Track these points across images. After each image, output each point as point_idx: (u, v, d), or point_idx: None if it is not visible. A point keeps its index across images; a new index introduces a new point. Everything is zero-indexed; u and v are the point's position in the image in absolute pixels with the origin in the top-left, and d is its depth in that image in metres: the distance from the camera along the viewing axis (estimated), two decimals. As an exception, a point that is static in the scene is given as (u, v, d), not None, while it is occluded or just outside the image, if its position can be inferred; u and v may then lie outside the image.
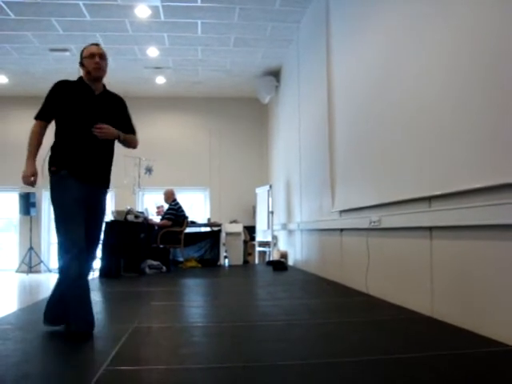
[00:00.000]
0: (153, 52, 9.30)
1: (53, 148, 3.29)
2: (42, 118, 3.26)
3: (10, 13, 7.38)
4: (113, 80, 10.40)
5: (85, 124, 3.24)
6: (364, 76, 5.11)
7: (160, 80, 11.02)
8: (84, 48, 3.43)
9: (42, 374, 2.33)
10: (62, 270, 3.17)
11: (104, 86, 3.48)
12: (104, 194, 3.49)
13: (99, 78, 3.39)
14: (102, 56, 3.37)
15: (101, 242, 3.39)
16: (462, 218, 3.18)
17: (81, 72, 3.42)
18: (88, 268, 3.35)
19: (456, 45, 3.30)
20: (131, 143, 3.61)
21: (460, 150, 3.23)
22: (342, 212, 5.88)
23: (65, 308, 3.13)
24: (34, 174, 3.17)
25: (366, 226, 4.85)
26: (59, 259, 3.15)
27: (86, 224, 3.18)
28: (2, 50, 8.96)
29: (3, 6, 7.14)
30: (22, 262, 11.17)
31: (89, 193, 3.27)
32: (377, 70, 4.75)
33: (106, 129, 3.27)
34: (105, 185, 3.45)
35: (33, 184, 3.17)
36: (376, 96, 4.76)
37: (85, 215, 3.19)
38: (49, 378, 2.28)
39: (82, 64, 3.38)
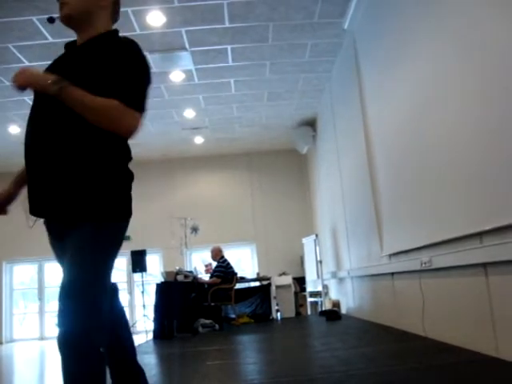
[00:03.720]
0: (189, 113, 9.58)
1: None
2: None
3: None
4: (153, 144, 10.86)
5: (34, 114, 1.92)
6: (401, 117, 5.12)
7: (198, 140, 11.27)
8: None
9: None
10: None
11: (98, 36, 1.98)
12: (74, 230, 1.80)
13: (69, 21, 1.98)
14: None
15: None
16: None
17: None
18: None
19: (485, 79, 3.30)
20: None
21: (508, 181, 3.18)
22: (391, 255, 5.78)
23: None
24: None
25: (417, 267, 4.75)
26: None
27: None
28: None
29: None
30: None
31: (56, 237, 1.96)
32: (414, 110, 4.76)
33: (20, 74, 1.78)
34: (68, 214, 1.81)
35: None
36: (416, 136, 4.75)
37: None
38: None
39: None
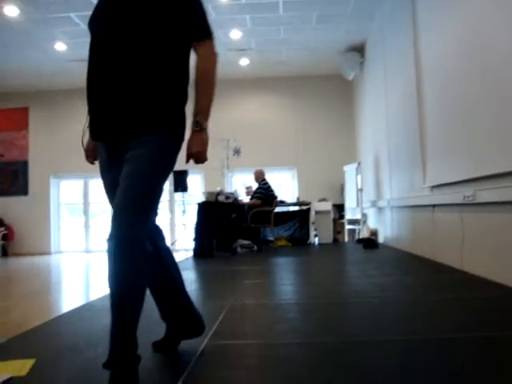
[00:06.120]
0: (236, 34, 9.40)
1: None
2: None
3: None
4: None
5: (96, 47, 2.05)
6: (454, 46, 4.92)
7: (244, 62, 11.10)
8: None
9: (149, 347, 2.42)
10: None
11: None
12: (140, 144, 1.94)
13: None
14: None
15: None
16: None
17: None
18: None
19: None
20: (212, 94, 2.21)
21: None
22: (433, 187, 5.73)
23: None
24: None
25: (459, 201, 4.71)
26: None
27: None
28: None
29: None
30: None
31: (116, 154, 2.02)
32: (469, 39, 4.57)
33: (197, 157, 2.16)
34: (135, 131, 1.95)
35: None
36: (468, 66, 4.58)
37: None
38: (155, 351, 2.40)
39: None
